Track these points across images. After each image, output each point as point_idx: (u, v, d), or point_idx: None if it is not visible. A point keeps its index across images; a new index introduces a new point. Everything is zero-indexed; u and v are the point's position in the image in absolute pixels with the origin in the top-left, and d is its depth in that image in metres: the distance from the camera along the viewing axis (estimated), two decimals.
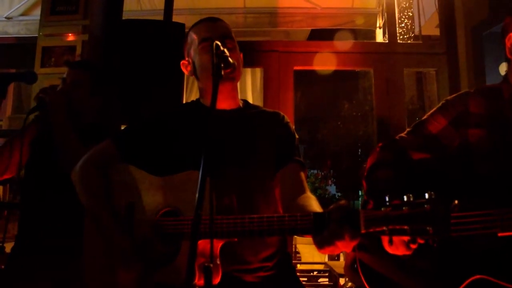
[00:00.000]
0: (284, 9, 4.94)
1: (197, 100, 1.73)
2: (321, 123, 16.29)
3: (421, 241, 1.06)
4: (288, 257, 1.66)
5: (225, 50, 1.23)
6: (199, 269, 1.23)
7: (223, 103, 1.62)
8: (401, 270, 1.51)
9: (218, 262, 1.34)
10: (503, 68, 1.66)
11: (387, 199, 1.07)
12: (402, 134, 1.68)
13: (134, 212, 1.45)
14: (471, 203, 1.34)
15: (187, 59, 1.70)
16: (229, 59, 1.24)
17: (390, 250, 1.26)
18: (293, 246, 6.91)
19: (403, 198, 1.05)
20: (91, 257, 1.52)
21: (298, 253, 6.99)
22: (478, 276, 1.36)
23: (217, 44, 1.21)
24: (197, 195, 0.98)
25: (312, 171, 18.39)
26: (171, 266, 1.35)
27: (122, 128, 1.75)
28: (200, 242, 1.25)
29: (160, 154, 1.59)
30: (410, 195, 1.05)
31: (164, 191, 1.44)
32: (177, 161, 1.53)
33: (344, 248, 1.15)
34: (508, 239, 1.33)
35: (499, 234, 1.33)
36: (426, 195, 1.02)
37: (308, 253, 6.77)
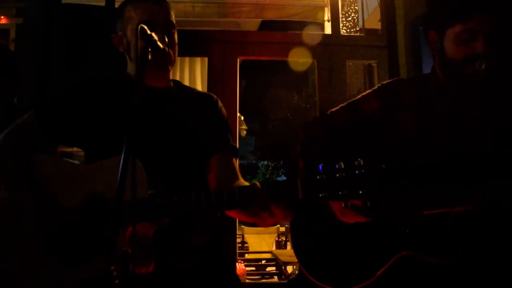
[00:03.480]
0: None
1: (126, 73, 1.65)
2: (271, 114, 16.44)
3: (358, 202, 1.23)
4: (219, 242, 1.67)
5: (153, 34, 1.19)
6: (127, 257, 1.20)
7: (153, 82, 1.57)
8: (332, 246, 1.57)
9: (151, 248, 1.30)
10: None
11: (320, 167, 1.15)
12: (333, 110, 1.71)
13: (55, 203, 1.36)
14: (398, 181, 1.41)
15: (120, 34, 1.59)
16: (158, 43, 1.20)
17: (343, 218, 1.42)
18: (241, 236, 6.98)
19: (335, 166, 1.14)
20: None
21: (246, 243, 7.06)
22: (404, 253, 1.43)
23: (142, 28, 1.16)
24: (118, 178, 0.95)
25: (262, 162, 18.55)
26: (100, 257, 1.28)
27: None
28: (131, 228, 1.22)
29: (84, 129, 1.52)
30: (341, 162, 1.14)
31: (91, 179, 1.38)
32: (102, 139, 1.49)
33: (274, 219, 1.21)
34: (432, 217, 1.41)
35: (424, 212, 1.42)
36: (356, 162, 1.13)
37: (255, 243, 6.86)
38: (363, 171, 1.12)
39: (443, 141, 1.49)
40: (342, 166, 1.14)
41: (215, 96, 1.72)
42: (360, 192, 1.12)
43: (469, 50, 1.47)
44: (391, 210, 1.46)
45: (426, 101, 1.58)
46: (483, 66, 1.41)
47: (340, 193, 1.13)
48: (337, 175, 1.13)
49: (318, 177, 1.15)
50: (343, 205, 1.25)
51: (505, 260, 1.38)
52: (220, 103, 1.70)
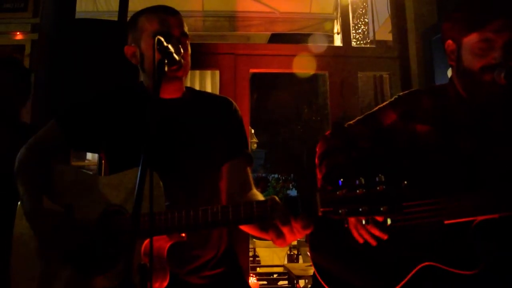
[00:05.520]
0: (243, 13, 4.96)
1: (141, 83, 1.65)
2: (282, 127, 16.43)
3: (379, 218, 1.19)
4: (234, 255, 1.64)
5: (169, 46, 1.19)
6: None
7: (167, 94, 1.57)
8: (352, 262, 1.54)
9: (165, 263, 1.30)
10: (450, 73, 1.72)
11: (340, 183, 1.14)
12: (351, 123, 1.70)
13: (73, 214, 1.37)
14: (419, 191, 1.42)
15: (133, 46, 1.58)
16: (174, 55, 1.20)
17: (355, 234, 1.42)
18: (253, 250, 6.93)
19: (356, 182, 1.13)
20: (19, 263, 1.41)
21: (258, 256, 6.99)
22: (426, 263, 1.40)
23: (159, 40, 1.16)
24: (136, 191, 0.94)
25: (273, 175, 18.50)
26: (116, 269, 1.29)
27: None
28: (147, 241, 1.21)
29: (104, 138, 1.53)
30: (362, 178, 1.13)
31: (108, 191, 1.38)
32: (122, 147, 1.50)
33: (293, 235, 1.19)
34: (454, 226, 1.38)
35: (445, 222, 1.39)
36: (377, 178, 1.12)
37: (267, 257, 6.78)
38: (384, 187, 1.11)
39: (463, 151, 1.46)
40: (363, 182, 1.13)
41: (230, 99, 1.70)
42: (381, 209, 1.10)
43: (486, 60, 1.44)
44: (412, 222, 1.44)
45: (445, 111, 1.56)
46: (502, 75, 1.39)
47: (360, 209, 1.12)
48: (357, 191, 1.12)
49: (338, 192, 1.14)
50: (363, 221, 1.23)
51: None
52: (234, 106, 1.67)
